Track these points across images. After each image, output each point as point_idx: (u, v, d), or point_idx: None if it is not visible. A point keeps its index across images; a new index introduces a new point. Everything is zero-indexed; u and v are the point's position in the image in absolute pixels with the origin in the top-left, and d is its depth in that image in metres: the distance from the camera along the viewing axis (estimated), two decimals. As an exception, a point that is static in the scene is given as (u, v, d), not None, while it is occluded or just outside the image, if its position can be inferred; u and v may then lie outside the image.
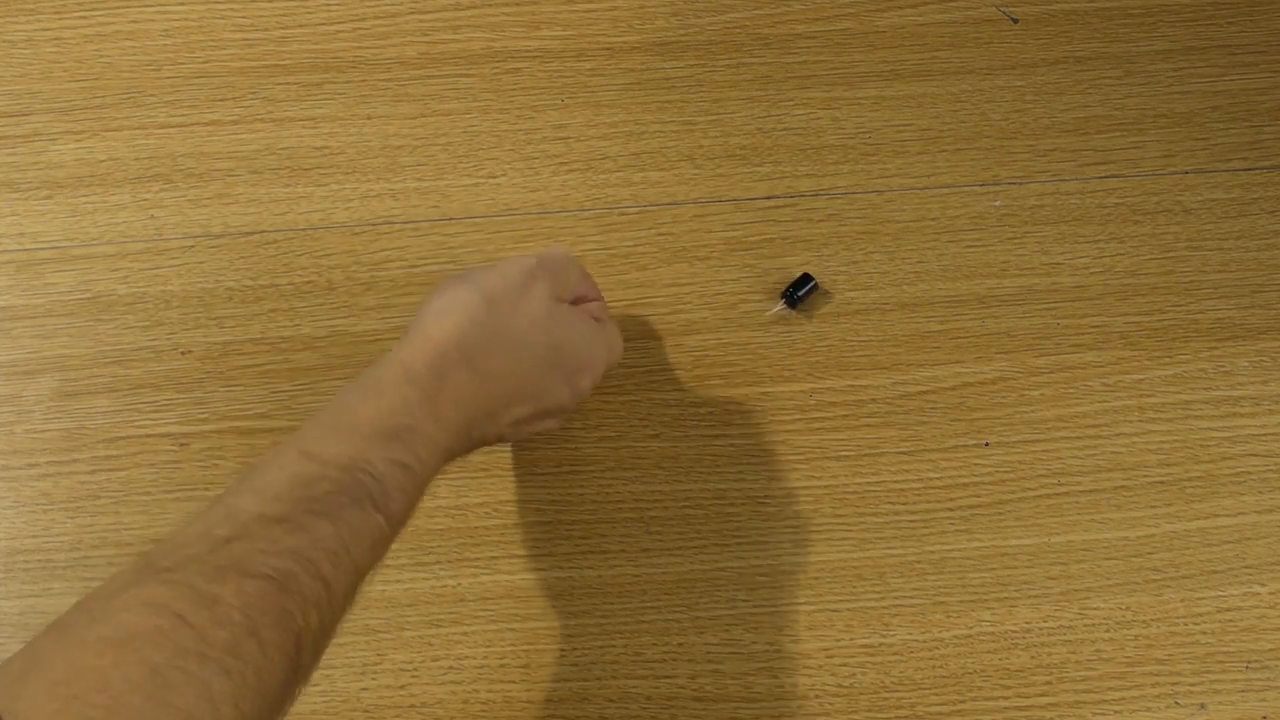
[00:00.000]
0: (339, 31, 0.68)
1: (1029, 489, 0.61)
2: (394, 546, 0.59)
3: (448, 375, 0.47)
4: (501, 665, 0.58)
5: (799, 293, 0.63)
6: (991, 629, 0.59)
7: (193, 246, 0.65)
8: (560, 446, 0.62)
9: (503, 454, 0.61)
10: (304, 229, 0.65)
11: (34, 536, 0.59)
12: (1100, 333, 0.64)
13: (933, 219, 0.66)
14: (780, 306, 0.64)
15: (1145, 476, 0.62)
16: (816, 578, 0.60)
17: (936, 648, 0.59)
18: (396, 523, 0.44)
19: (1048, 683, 0.58)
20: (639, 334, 0.63)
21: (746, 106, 0.68)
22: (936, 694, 0.58)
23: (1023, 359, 0.64)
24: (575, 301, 0.56)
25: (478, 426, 0.49)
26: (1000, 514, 0.61)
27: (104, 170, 0.66)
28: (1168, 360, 0.64)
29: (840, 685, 0.58)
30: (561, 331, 0.52)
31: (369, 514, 0.42)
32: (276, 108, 0.67)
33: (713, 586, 0.60)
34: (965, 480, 0.62)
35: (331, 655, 0.58)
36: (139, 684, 0.34)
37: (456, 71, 0.68)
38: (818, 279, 0.64)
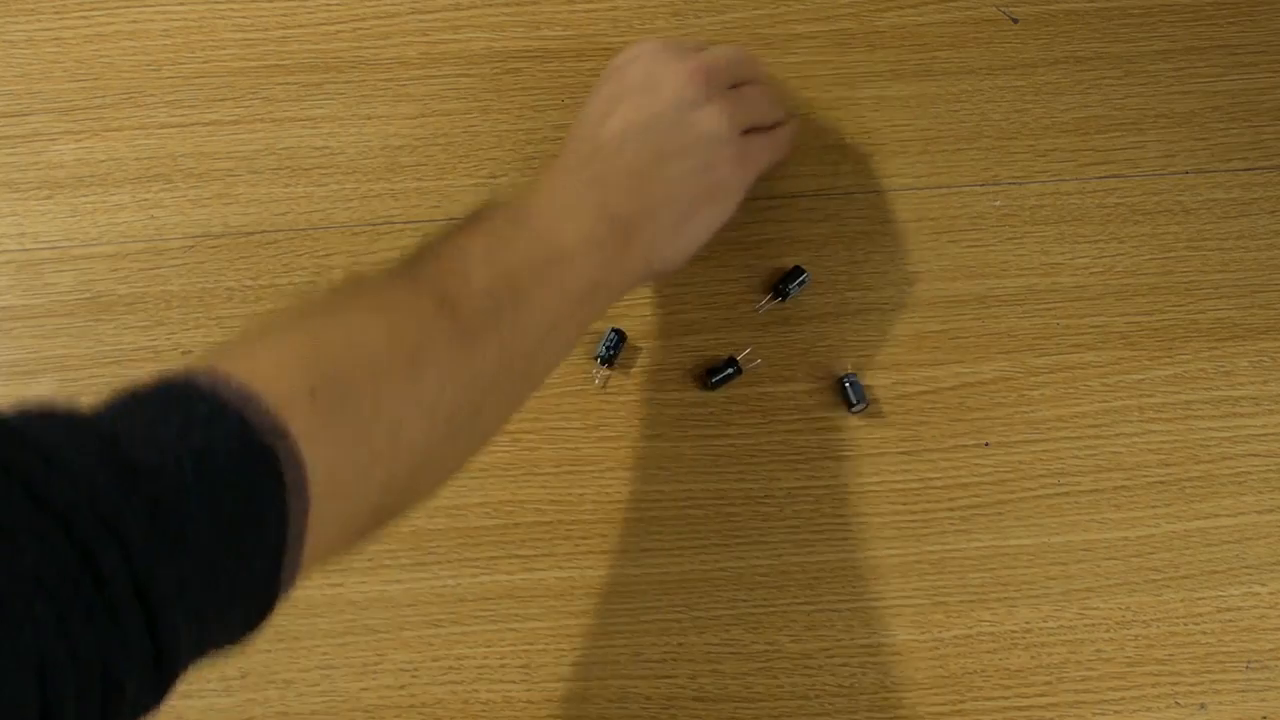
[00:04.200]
0: (339, 31, 0.68)
1: (1029, 489, 0.61)
2: (393, 546, 0.60)
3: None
4: (501, 665, 0.58)
5: (789, 285, 0.63)
6: (991, 629, 0.59)
7: (193, 246, 0.65)
8: (560, 446, 0.62)
9: (503, 454, 0.62)
10: (304, 229, 0.65)
11: (34, 536, 0.59)
12: (1100, 333, 0.64)
13: (933, 219, 0.66)
14: (770, 298, 0.63)
15: (1145, 476, 0.62)
16: (816, 578, 0.60)
17: (936, 648, 0.59)
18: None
19: (1048, 683, 0.58)
20: (640, 334, 0.63)
21: (746, 106, 0.68)
22: (936, 694, 0.58)
23: (1023, 359, 0.64)
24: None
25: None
26: (1000, 514, 0.61)
27: (104, 170, 0.66)
28: (1168, 360, 0.64)
29: (840, 685, 0.58)
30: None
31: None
32: (276, 108, 0.67)
33: (713, 586, 0.60)
34: (965, 480, 0.62)
35: (331, 655, 0.59)
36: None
37: (456, 71, 0.68)
38: (817, 277, 0.64)
